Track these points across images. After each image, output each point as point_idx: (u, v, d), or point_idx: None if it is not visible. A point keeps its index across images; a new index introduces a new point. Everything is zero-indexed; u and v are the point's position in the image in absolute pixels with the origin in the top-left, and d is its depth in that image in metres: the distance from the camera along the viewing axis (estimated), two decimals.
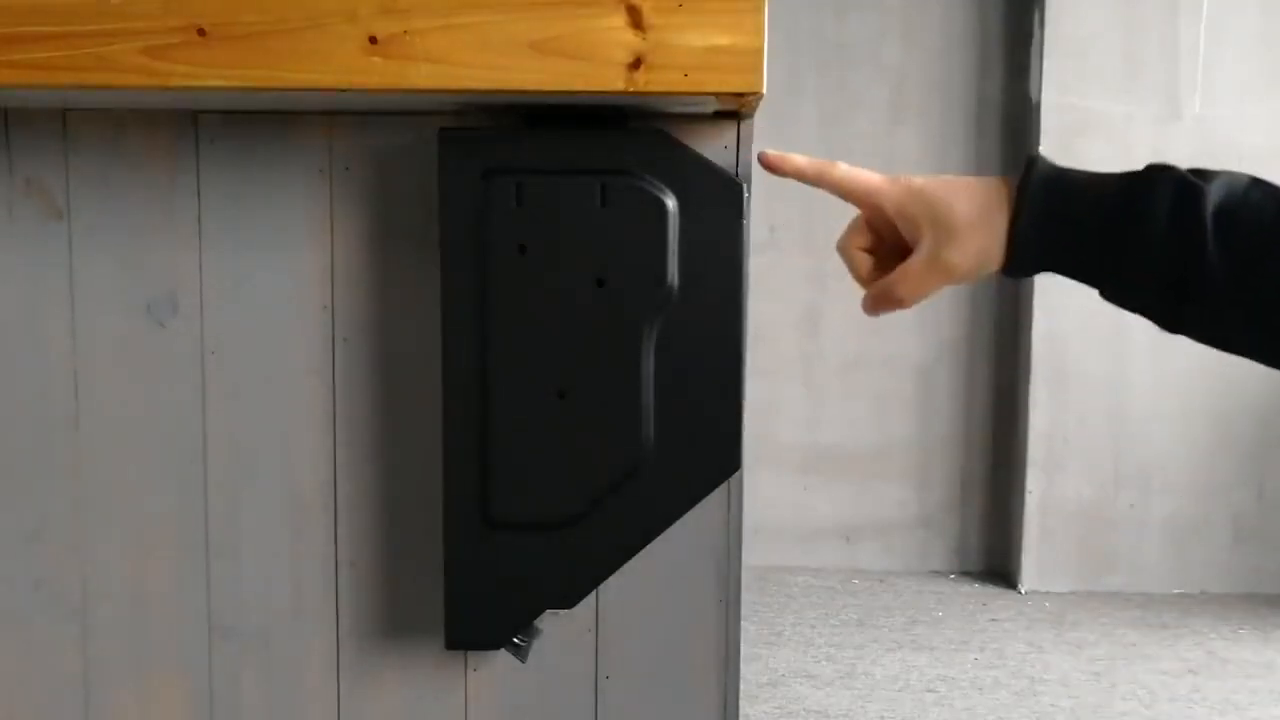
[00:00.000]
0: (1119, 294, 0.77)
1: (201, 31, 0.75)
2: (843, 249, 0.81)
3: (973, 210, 0.76)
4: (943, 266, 0.76)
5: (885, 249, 0.80)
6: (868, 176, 0.79)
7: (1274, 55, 3.56)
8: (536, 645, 0.92)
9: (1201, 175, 0.74)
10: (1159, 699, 2.90)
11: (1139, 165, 0.75)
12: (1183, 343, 0.78)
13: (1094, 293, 0.77)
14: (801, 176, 0.80)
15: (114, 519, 0.93)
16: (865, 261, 0.81)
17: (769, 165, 0.80)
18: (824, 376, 3.85)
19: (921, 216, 0.77)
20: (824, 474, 3.85)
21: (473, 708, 0.95)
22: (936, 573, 3.88)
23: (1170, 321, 0.76)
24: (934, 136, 3.80)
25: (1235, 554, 3.69)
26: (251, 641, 0.94)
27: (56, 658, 0.94)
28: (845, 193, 0.80)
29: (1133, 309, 0.77)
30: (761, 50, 0.76)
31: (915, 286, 0.78)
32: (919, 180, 0.78)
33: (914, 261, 0.77)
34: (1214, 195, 0.72)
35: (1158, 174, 0.74)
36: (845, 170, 0.79)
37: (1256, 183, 0.74)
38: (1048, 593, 3.67)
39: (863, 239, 0.80)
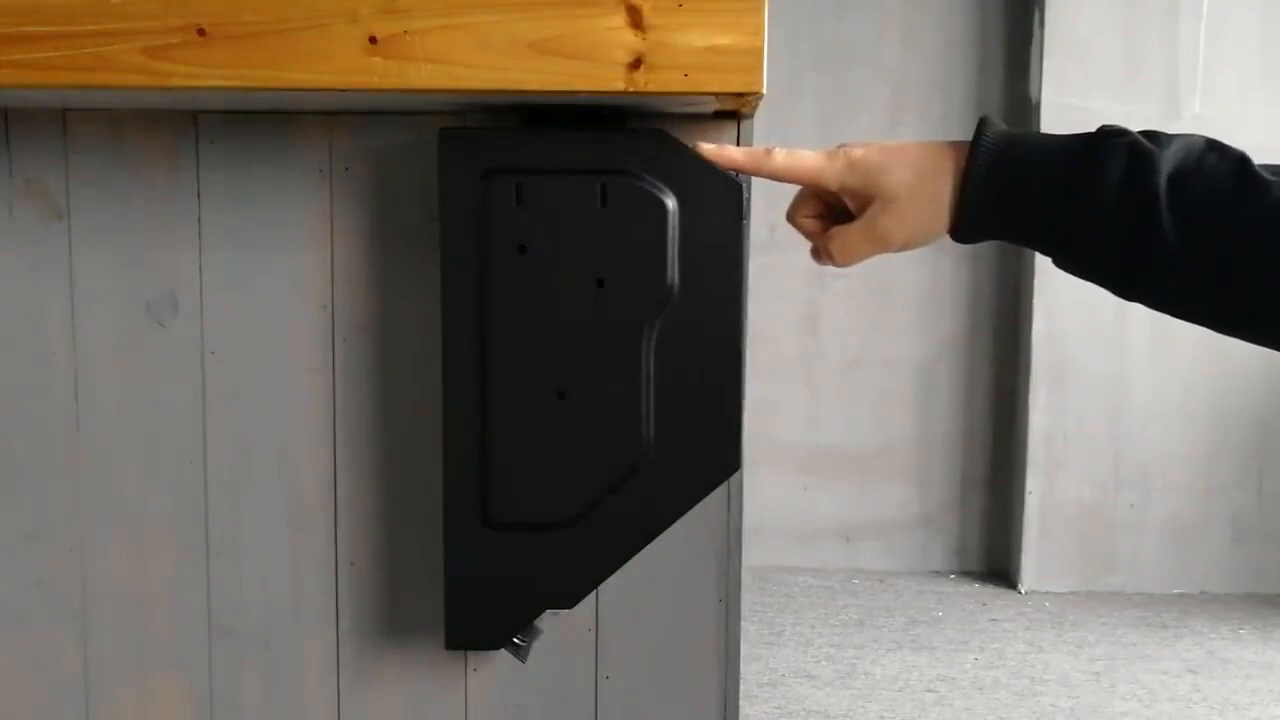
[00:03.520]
0: (1071, 262, 0.75)
1: (201, 31, 0.75)
2: (790, 218, 0.81)
3: (910, 178, 0.75)
4: (878, 234, 0.76)
5: (834, 215, 0.80)
6: (806, 161, 0.78)
7: (1274, 55, 3.56)
8: (536, 645, 0.92)
9: (1155, 139, 0.72)
10: (1159, 699, 2.90)
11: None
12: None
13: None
14: (739, 169, 0.80)
15: (114, 519, 0.93)
16: (814, 226, 0.81)
17: (709, 158, 0.80)
18: (824, 376, 3.85)
19: (860, 187, 0.76)
20: (824, 474, 3.85)
21: (473, 708, 0.95)
22: (936, 573, 3.88)
23: (1124, 289, 0.74)
24: (934, 137, 3.79)
25: (1235, 554, 3.69)
26: (251, 641, 0.94)
27: (56, 658, 0.94)
28: (787, 179, 0.79)
29: (1086, 277, 0.76)
30: (761, 50, 0.76)
31: (847, 251, 0.77)
32: (858, 151, 0.77)
33: (850, 228, 0.77)
34: (1168, 161, 0.71)
35: (1110, 139, 0.72)
36: (783, 157, 0.78)
37: (1212, 146, 0.73)
38: (1048, 593, 3.67)
39: (809, 208, 0.80)
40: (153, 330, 0.92)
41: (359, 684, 0.95)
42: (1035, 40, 3.61)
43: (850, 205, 0.78)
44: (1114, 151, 0.72)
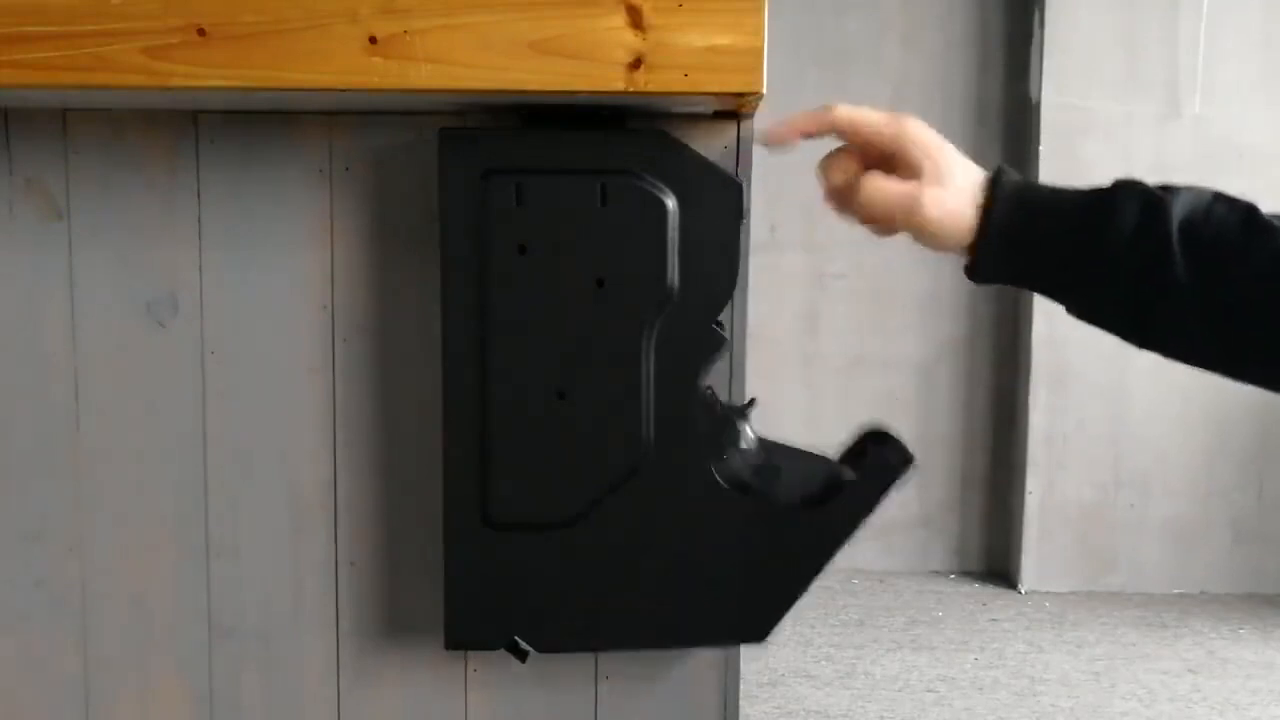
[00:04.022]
0: (1085, 309, 0.77)
1: (201, 31, 0.75)
2: (822, 165, 0.81)
3: (964, 183, 0.76)
4: (916, 198, 0.75)
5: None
6: (869, 115, 0.78)
7: (1274, 55, 3.56)
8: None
9: (1165, 190, 0.74)
10: (1159, 699, 2.90)
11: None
12: None
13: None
14: (807, 132, 0.79)
15: (114, 519, 0.93)
16: (840, 180, 0.80)
17: (776, 141, 0.79)
18: (824, 376, 3.85)
19: (915, 156, 0.76)
20: None
21: (473, 707, 0.95)
22: (936, 573, 3.88)
23: (1138, 334, 0.75)
24: None
25: (1235, 554, 3.69)
26: (251, 641, 0.94)
27: (56, 658, 0.94)
28: (847, 131, 0.79)
29: (1100, 324, 0.77)
30: (761, 50, 0.76)
31: (876, 197, 0.76)
32: (924, 125, 0.78)
33: (892, 179, 0.76)
34: (1178, 209, 0.72)
35: (1123, 188, 0.74)
36: (844, 110, 0.78)
37: (1219, 197, 0.74)
38: (1048, 593, 3.67)
39: (844, 163, 0.80)
40: (153, 330, 0.92)
41: (359, 684, 0.95)
42: (1035, 40, 3.61)
43: (900, 155, 0.77)
44: (1128, 198, 0.73)
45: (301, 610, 0.94)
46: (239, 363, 0.92)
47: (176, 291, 0.91)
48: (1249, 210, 0.73)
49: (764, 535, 0.85)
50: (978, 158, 0.78)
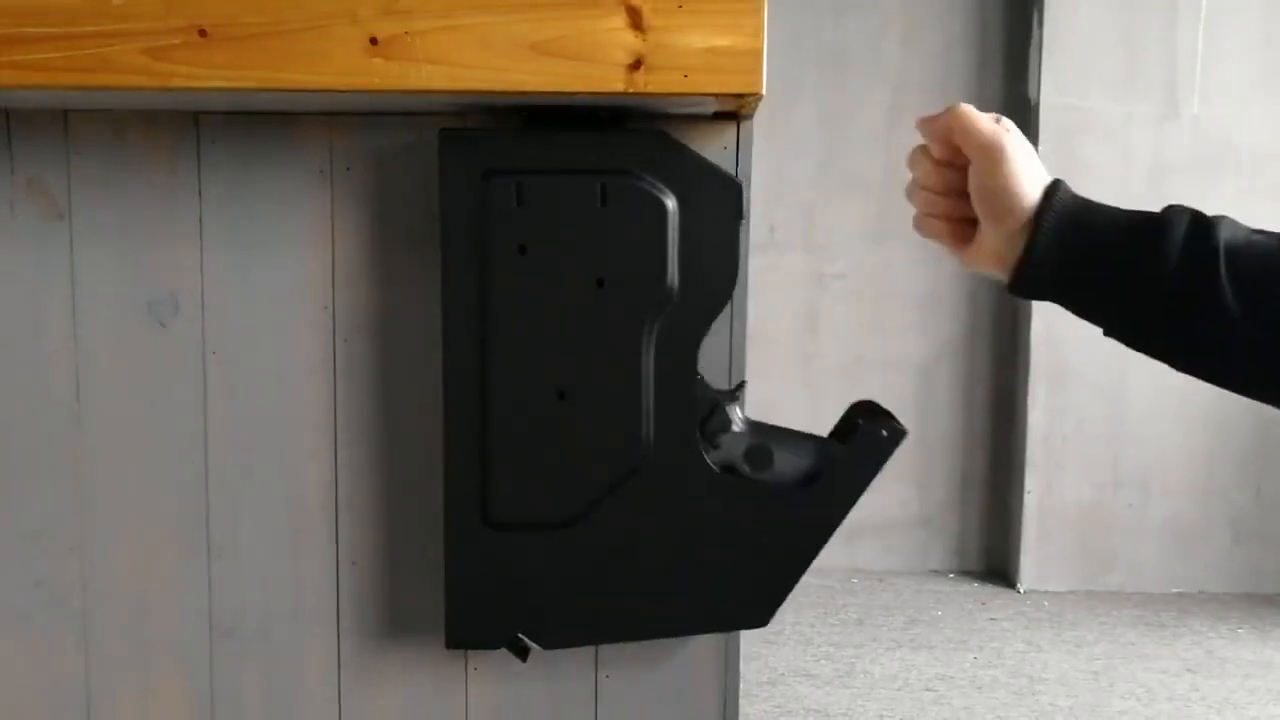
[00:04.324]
0: (1128, 332, 0.76)
1: (202, 32, 0.75)
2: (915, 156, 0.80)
3: (1030, 190, 0.75)
4: (990, 179, 0.75)
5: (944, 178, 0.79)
6: (986, 122, 0.77)
7: (1273, 55, 3.56)
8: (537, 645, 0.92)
9: (1215, 217, 0.74)
10: (1157, 698, 2.91)
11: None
12: None
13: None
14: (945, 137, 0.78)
15: (114, 519, 0.93)
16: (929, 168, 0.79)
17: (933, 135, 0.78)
18: (824, 376, 3.85)
19: (995, 185, 0.76)
20: None
21: (473, 707, 0.95)
22: (936, 572, 3.88)
23: (1182, 360, 0.75)
24: None
25: (1234, 554, 3.69)
26: (252, 641, 0.94)
27: (56, 658, 0.94)
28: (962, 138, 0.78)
29: (1141, 348, 0.76)
30: (761, 51, 0.76)
31: (971, 126, 0.75)
32: (1027, 145, 0.78)
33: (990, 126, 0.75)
34: (1224, 231, 0.73)
35: (1171, 215, 0.74)
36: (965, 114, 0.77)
37: (1258, 230, 0.74)
38: (1046, 592, 3.67)
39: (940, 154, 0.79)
40: (154, 330, 0.92)
41: (360, 683, 0.95)
42: (1034, 40, 3.61)
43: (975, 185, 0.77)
44: (1176, 217, 0.74)
45: (302, 610, 0.94)
46: (240, 363, 0.92)
47: (177, 291, 0.91)
48: None
49: (760, 518, 0.85)
50: None
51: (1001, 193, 0.76)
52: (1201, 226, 0.73)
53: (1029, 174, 0.76)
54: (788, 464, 0.85)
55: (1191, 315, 0.73)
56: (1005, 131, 0.76)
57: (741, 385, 0.87)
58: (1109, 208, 0.77)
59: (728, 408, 0.85)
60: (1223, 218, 0.74)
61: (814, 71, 3.79)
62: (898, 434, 0.86)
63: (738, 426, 0.85)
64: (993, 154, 0.75)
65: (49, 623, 0.94)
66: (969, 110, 0.77)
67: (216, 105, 0.88)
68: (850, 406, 0.91)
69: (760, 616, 0.87)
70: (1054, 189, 0.76)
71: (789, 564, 0.86)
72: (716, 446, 0.85)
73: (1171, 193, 3.56)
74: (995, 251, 0.77)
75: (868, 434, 0.85)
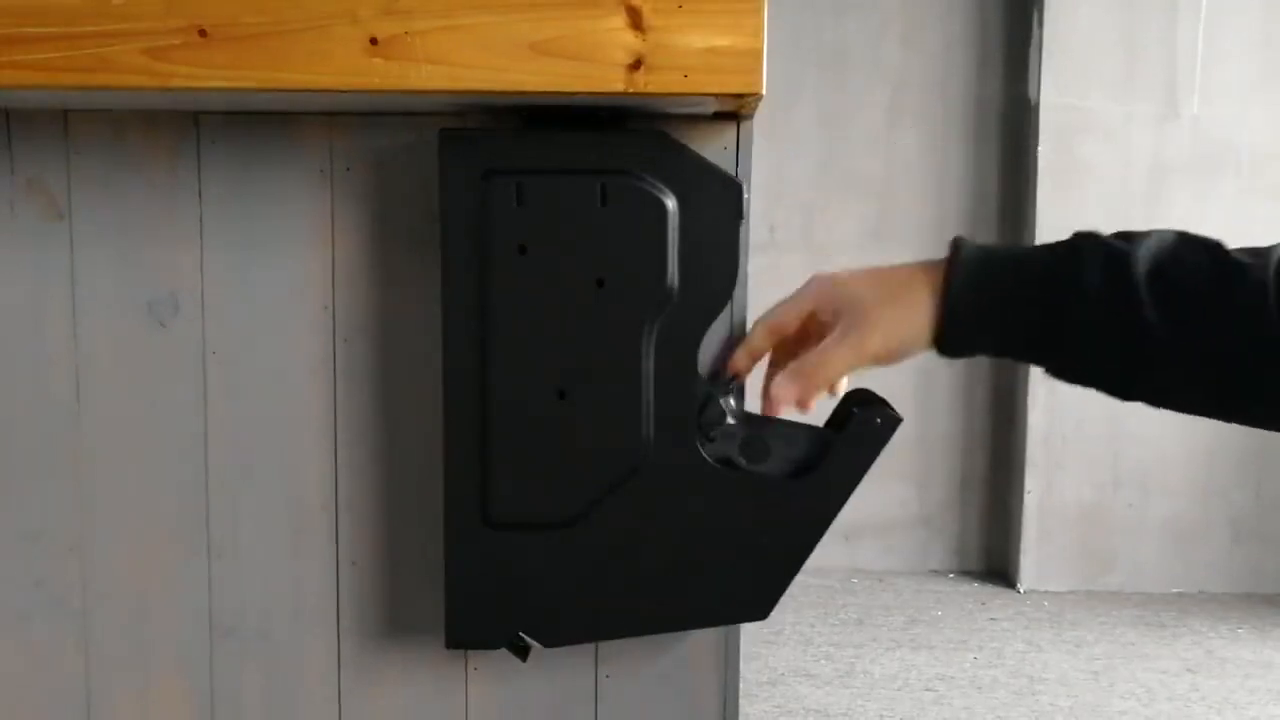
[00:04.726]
0: (1065, 369, 0.76)
1: (203, 32, 0.75)
2: (742, 361, 0.84)
3: (879, 291, 0.77)
4: (853, 342, 0.77)
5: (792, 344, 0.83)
6: (779, 306, 0.82)
7: (1273, 55, 3.56)
8: (537, 645, 0.92)
9: (1128, 238, 0.73)
10: (1157, 698, 2.91)
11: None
12: None
13: None
14: (757, 359, 0.84)
15: (114, 519, 0.93)
16: (767, 341, 0.83)
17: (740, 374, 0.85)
18: None
19: (832, 304, 0.79)
20: None
21: (473, 707, 0.95)
22: (936, 572, 3.88)
23: (1124, 389, 0.75)
24: (934, 137, 3.80)
25: (1234, 554, 3.69)
26: (252, 641, 0.95)
27: (56, 658, 0.95)
28: (777, 327, 0.82)
29: (1084, 383, 0.76)
30: (761, 51, 0.76)
31: (828, 360, 0.78)
32: (827, 272, 0.81)
33: (827, 341, 0.79)
34: (1144, 257, 0.71)
35: (1083, 242, 0.74)
36: (761, 325, 0.83)
37: (1185, 239, 0.73)
38: (1046, 592, 3.67)
39: (766, 343, 0.84)
40: (154, 330, 0.92)
41: (360, 683, 0.95)
42: (1034, 40, 3.61)
43: (827, 321, 0.80)
44: (1089, 254, 0.73)
45: (302, 610, 0.94)
46: (240, 363, 0.92)
47: (177, 291, 0.91)
48: (1216, 250, 0.72)
49: (759, 512, 0.85)
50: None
51: (875, 288, 0.78)
52: (1116, 261, 0.72)
53: (867, 270, 0.80)
54: (783, 454, 0.85)
55: (1122, 355, 0.72)
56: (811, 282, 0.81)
57: (735, 377, 0.86)
58: (1015, 250, 0.76)
59: (721, 400, 0.85)
60: (1142, 238, 0.73)
61: (814, 71, 3.79)
62: (893, 421, 0.85)
63: (732, 419, 0.85)
64: (829, 287, 0.80)
65: (49, 623, 0.94)
66: (770, 315, 0.82)
67: (216, 105, 0.88)
68: (845, 395, 0.91)
69: (760, 610, 0.87)
70: (953, 248, 0.76)
71: (788, 556, 0.86)
72: (711, 440, 0.85)
73: (1171, 193, 3.56)
74: (904, 335, 0.77)
75: (863, 422, 0.85)
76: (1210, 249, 0.72)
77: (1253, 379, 0.70)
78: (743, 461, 0.85)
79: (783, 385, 0.80)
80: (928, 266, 0.77)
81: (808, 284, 0.82)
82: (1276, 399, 0.70)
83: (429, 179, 0.87)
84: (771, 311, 0.83)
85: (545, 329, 0.82)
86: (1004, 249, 0.77)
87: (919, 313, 0.76)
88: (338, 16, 0.75)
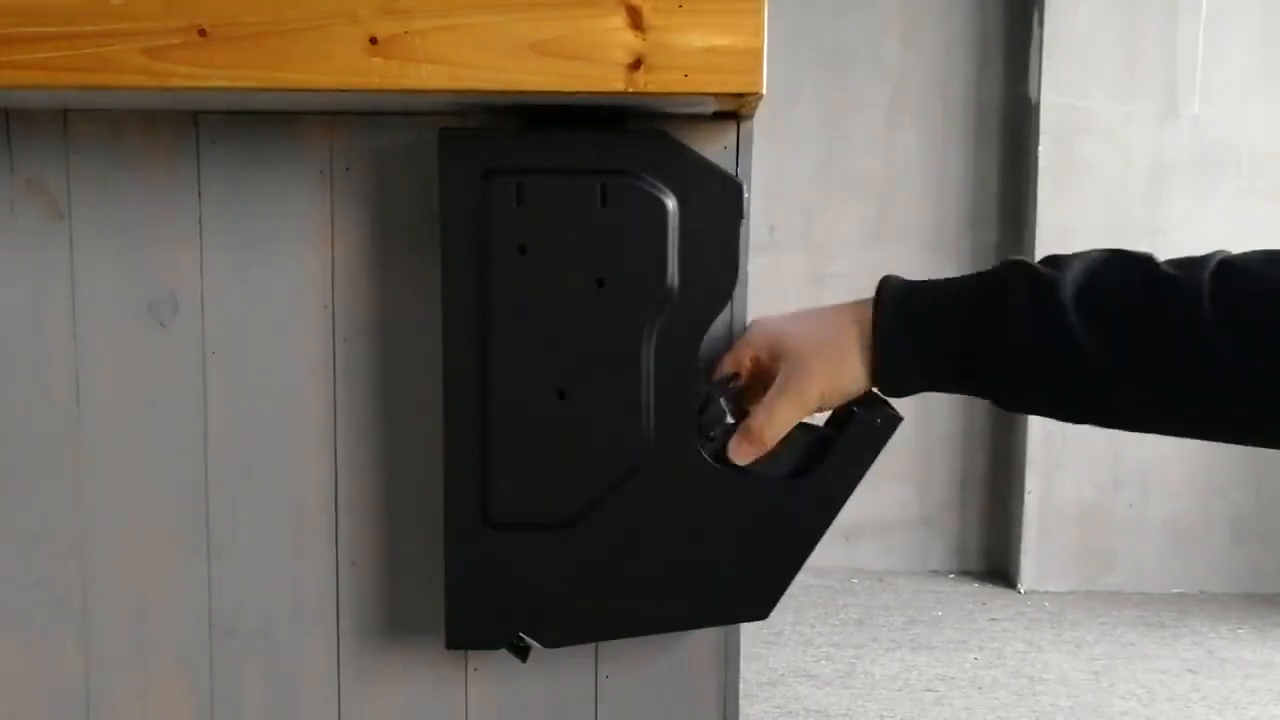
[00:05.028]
0: (1005, 397, 0.76)
1: (202, 32, 0.75)
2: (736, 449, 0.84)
3: (812, 335, 0.78)
4: (794, 394, 0.78)
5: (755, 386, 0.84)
6: (731, 355, 0.84)
7: (1273, 55, 3.56)
8: (537, 645, 0.92)
9: (1056, 263, 0.73)
10: (1158, 698, 2.91)
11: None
12: None
13: None
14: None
15: (114, 519, 0.93)
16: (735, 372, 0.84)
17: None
18: None
19: (769, 354, 0.80)
20: None
21: (473, 707, 0.95)
22: (936, 572, 3.88)
23: (1070, 413, 0.74)
24: (934, 137, 3.80)
25: (1234, 554, 3.69)
26: (252, 641, 0.94)
27: (56, 658, 0.94)
28: (732, 377, 0.84)
29: (1028, 410, 0.76)
30: (761, 51, 0.76)
31: (771, 416, 0.79)
32: (761, 319, 0.83)
33: (769, 395, 0.80)
34: (1070, 279, 0.71)
35: (1009, 271, 0.73)
36: (719, 367, 0.84)
37: (1115, 255, 0.72)
38: (1047, 592, 3.67)
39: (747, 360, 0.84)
40: (153, 330, 0.92)
41: (359, 683, 0.95)
42: (1034, 40, 3.61)
43: (768, 370, 0.81)
44: (1014, 281, 0.73)
45: (302, 610, 0.94)
46: (240, 362, 0.92)
47: (177, 291, 0.91)
48: (1146, 263, 0.71)
49: (760, 512, 0.85)
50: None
51: (782, 333, 0.79)
52: (1042, 287, 0.71)
53: (803, 315, 0.81)
54: (784, 454, 0.85)
55: (1060, 379, 0.71)
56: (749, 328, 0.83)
57: (735, 376, 0.86)
58: (942, 283, 0.77)
59: (721, 400, 0.85)
60: (1070, 261, 0.72)
61: (814, 71, 3.79)
62: (893, 420, 0.85)
63: (731, 418, 0.85)
64: (765, 329, 0.81)
65: (49, 623, 0.94)
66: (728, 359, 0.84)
67: (216, 105, 0.88)
68: None
69: (761, 609, 0.87)
70: (881, 286, 0.77)
71: (789, 555, 0.86)
72: (711, 439, 0.85)
73: (1171, 193, 3.56)
74: (841, 382, 0.78)
75: (863, 421, 0.85)
76: (1141, 262, 0.71)
77: (1194, 387, 0.69)
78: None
79: (735, 449, 0.82)
80: (858, 306, 0.78)
81: (749, 329, 0.84)
82: (1217, 407, 0.69)
83: (429, 179, 0.87)
84: (719, 362, 0.84)
85: (545, 329, 0.82)
86: (932, 283, 0.77)
87: (852, 357, 0.77)
88: (338, 16, 0.75)
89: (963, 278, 0.77)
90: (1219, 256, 0.70)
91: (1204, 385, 0.68)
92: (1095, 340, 0.70)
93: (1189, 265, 0.70)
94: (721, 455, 0.84)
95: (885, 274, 0.79)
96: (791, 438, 0.84)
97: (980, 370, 0.74)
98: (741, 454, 0.82)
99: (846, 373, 0.77)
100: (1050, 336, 0.71)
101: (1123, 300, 0.70)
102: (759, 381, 0.83)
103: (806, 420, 0.86)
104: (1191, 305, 0.68)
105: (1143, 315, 0.69)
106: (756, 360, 0.83)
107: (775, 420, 0.80)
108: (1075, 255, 0.73)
